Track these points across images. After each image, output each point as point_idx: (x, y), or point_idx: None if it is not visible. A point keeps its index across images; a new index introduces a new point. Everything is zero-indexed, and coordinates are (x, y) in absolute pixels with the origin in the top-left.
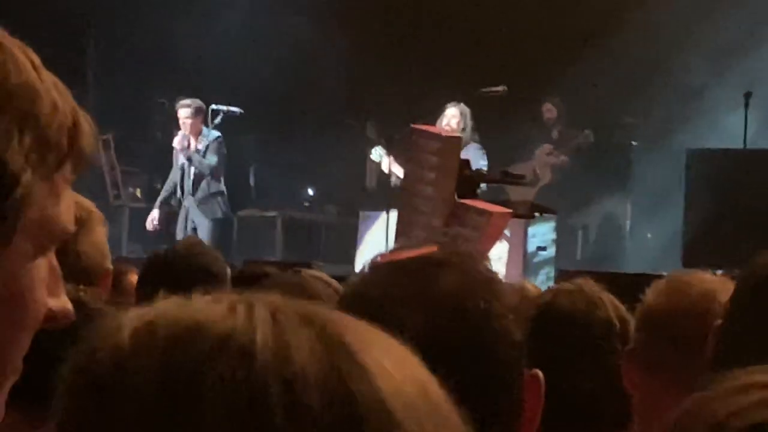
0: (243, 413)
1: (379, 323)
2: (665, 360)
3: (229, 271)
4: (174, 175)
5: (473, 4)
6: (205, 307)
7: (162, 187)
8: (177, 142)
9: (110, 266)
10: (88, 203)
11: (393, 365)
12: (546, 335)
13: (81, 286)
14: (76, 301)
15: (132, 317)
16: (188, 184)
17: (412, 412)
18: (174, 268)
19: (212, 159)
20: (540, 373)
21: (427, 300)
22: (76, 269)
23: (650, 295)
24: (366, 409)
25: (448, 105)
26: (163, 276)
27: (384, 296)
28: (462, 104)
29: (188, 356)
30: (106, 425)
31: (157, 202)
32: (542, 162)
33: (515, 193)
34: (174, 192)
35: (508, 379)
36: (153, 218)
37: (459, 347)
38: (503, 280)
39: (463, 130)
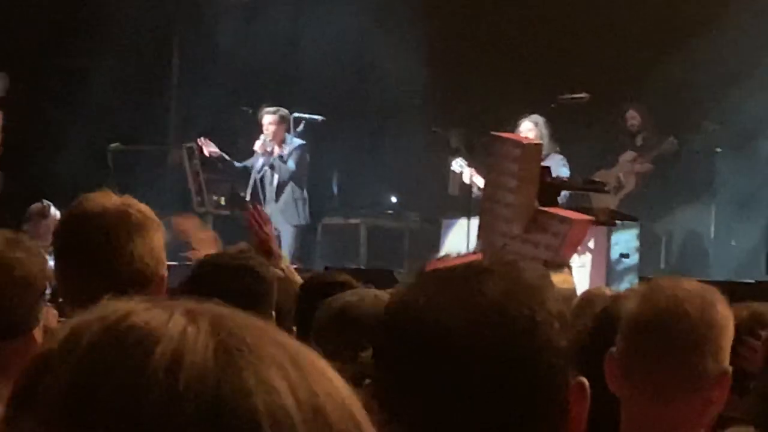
0: (132, 416)
1: (425, 330)
2: (634, 367)
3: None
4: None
5: (556, 11)
6: (133, 309)
7: (244, 195)
8: (259, 146)
9: (165, 273)
10: (146, 208)
11: (286, 383)
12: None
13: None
14: None
15: (71, 321)
16: (271, 191)
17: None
18: (221, 274)
19: (291, 164)
20: (585, 381)
21: (472, 307)
22: (128, 270)
23: (629, 301)
24: (234, 426)
25: (522, 119)
26: (209, 281)
27: (429, 304)
28: (535, 115)
29: (100, 360)
30: (19, 426)
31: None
32: (626, 169)
33: (598, 200)
34: (255, 194)
35: (553, 386)
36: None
37: (503, 354)
38: (559, 286)
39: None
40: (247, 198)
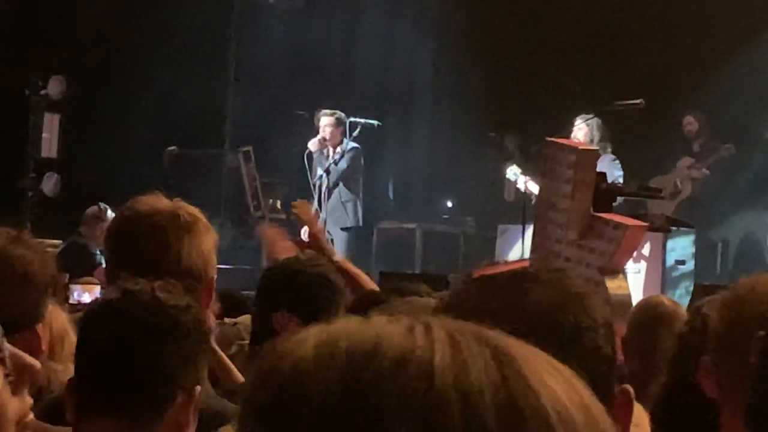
0: (423, 429)
1: None
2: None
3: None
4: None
5: (612, 18)
6: (385, 326)
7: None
8: (313, 143)
9: (214, 275)
10: (196, 211)
11: (559, 386)
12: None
13: (158, 283)
14: (153, 298)
15: (314, 332)
16: (325, 196)
17: (572, 430)
18: (296, 279)
19: (342, 164)
20: (630, 389)
21: (518, 314)
22: (176, 271)
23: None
24: (532, 426)
25: (576, 118)
26: (285, 286)
27: (475, 310)
28: (590, 115)
29: (369, 372)
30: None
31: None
32: (683, 175)
33: (654, 206)
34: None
35: (597, 394)
36: (305, 230)
37: None
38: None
39: (591, 141)
40: (314, 205)
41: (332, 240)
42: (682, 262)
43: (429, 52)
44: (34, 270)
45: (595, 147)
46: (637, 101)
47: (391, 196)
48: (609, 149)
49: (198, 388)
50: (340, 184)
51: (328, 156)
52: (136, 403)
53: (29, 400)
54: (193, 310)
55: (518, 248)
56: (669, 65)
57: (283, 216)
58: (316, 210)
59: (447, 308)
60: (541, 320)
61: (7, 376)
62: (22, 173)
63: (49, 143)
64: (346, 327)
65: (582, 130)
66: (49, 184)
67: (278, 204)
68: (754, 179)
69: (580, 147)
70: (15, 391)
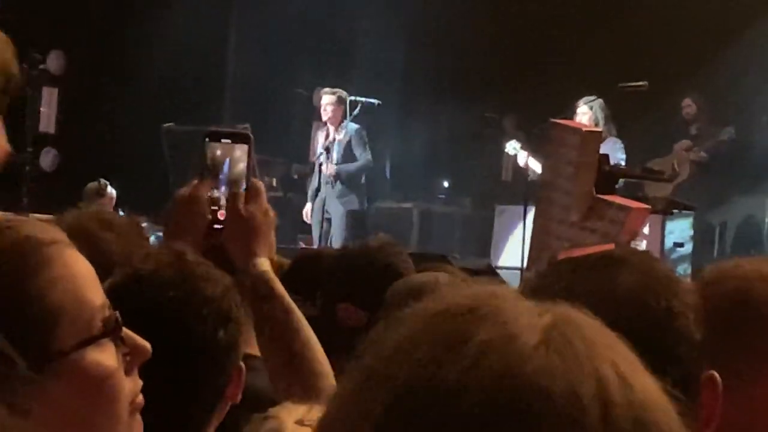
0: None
1: None
2: None
3: None
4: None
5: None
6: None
7: (298, 177)
8: (321, 134)
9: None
10: None
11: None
12: None
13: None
14: (178, 257)
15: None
16: (324, 176)
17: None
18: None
19: (351, 147)
20: (717, 375)
21: (609, 297)
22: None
23: None
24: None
25: (578, 102)
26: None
27: (565, 292)
28: (592, 98)
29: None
30: None
31: (310, 195)
32: (681, 158)
33: (652, 188)
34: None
35: (688, 379)
36: (307, 211)
37: (640, 345)
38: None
39: (596, 124)
40: (318, 183)
41: (329, 220)
42: (681, 245)
43: (429, 32)
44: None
45: (599, 129)
46: (641, 83)
47: (388, 175)
48: (614, 131)
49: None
50: (360, 155)
51: (328, 134)
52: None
53: (139, 382)
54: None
55: (517, 229)
56: (670, 47)
57: (280, 194)
58: (316, 190)
59: (535, 290)
60: (631, 303)
61: (125, 355)
62: (20, 148)
63: (48, 118)
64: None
65: (586, 114)
66: (47, 159)
67: (274, 182)
68: (754, 163)
69: (584, 128)
70: (128, 372)
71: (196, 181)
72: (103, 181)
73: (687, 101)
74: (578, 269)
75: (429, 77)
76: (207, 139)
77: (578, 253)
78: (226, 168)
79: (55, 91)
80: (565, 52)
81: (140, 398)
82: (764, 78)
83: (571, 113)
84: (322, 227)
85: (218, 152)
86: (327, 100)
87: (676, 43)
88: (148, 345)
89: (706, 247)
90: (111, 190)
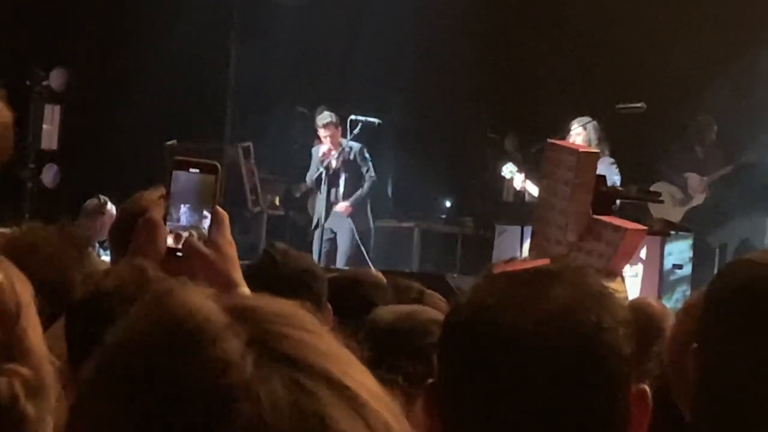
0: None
1: (492, 332)
2: None
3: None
4: (319, 193)
5: (615, 18)
6: None
7: (299, 196)
8: (320, 152)
9: None
10: None
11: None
12: None
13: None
14: (139, 273)
15: None
16: (335, 194)
17: None
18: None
19: (372, 171)
20: (647, 389)
21: (539, 311)
22: None
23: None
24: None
25: (572, 123)
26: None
27: (497, 305)
28: (584, 117)
29: None
30: None
31: (315, 222)
32: (696, 187)
33: (659, 211)
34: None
35: (616, 392)
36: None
37: (568, 359)
38: (623, 295)
39: (589, 144)
40: (322, 197)
41: (335, 237)
42: (680, 267)
43: (430, 52)
44: None
45: (595, 149)
46: (638, 104)
47: (389, 194)
48: (607, 152)
49: None
50: (364, 186)
51: (328, 153)
52: None
53: None
54: None
55: (517, 249)
56: (670, 68)
57: (282, 212)
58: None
59: (468, 303)
60: (561, 318)
61: None
62: (22, 164)
63: (50, 135)
64: None
65: (580, 135)
66: (49, 175)
67: (277, 200)
68: (754, 185)
69: (581, 149)
70: None
71: (160, 207)
72: (102, 197)
73: (695, 123)
74: (511, 282)
75: (430, 96)
76: (174, 168)
77: (514, 266)
78: (193, 198)
79: (58, 108)
80: (566, 72)
81: None
82: (764, 99)
83: (567, 135)
84: (321, 246)
85: (185, 181)
86: (324, 133)
87: (678, 63)
88: None
89: (705, 269)
90: (111, 207)
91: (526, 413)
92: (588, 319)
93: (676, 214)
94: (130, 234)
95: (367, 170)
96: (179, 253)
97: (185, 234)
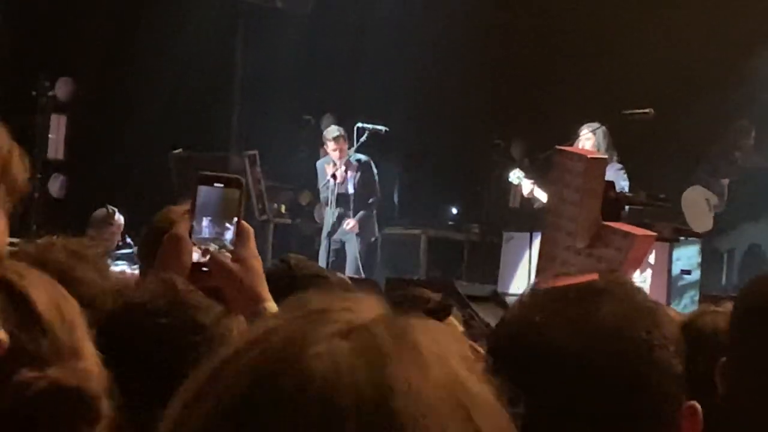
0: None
1: (539, 349)
2: None
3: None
4: (328, 207)
5: (622, 24)
6: None
7: (305, 204)
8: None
9: None
10: None
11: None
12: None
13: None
14: (169, 286)
15: None
16: (344, 207)
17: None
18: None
19: (378, 190)
20: (697, 405)
21: (588, 327)
22: None
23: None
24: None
25: (582, 128)
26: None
27: (545, 322)
28: (595, 124)
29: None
30: None
31: (326, 234)
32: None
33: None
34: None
35: (666, 411)
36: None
37: (618, 376)
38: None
39: (598, 150)
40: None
41: (343, 247)
42: (688, 272)
43: (436, 58)
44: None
45: (604, 155)
46: (647, 110)
47: (396, 201)
48: (615, 158)
49: None
50: (371, 197)
51: (334, 162)
52: None
53: None
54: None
55: (524, 256)
56: (678, 72)
57: (288, 220)
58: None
59: (515, 319)
60: (610, 334)
61: None
62: (29, 174)
63: (56, 144)
64: None
65: (590, 140)
66: (56, 185)
67: (283, 208)
68: (762, 190)
69: (589, 155)
70: None
71: (185, 222)
72: (111, 207)
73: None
74: (560, 299)
75: (436, 103)
76: (199, 183)
77: (562, 282)
78: (217, 212)
79: (64, 117)
80: (574, 78)
81: None
82: None
83: (576, 141)
84: (329, 255)
85: (209, 195)
86: (331, 147)
87: (685, 68)
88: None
89: (714, 274)
90: (119, 217)
91: (573, 430)
92: (638, 338)
93: (709, 220)
94: (158, 248)
95: (373, 192)
96: (205, 268)
97: (211, 248)
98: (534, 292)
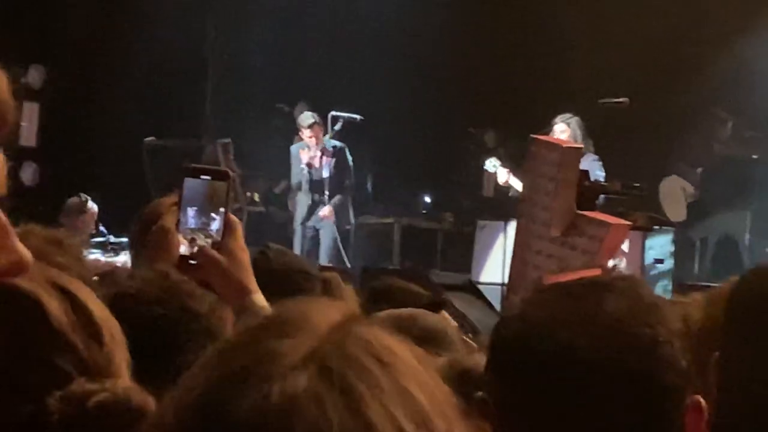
0: None
1: (545, 345)
2: None
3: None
4: (301, 192)
5: (598, 15)
6: None
7: (279, 192)
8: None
9: None
10: None
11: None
12: None
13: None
14: (162, 276)
15: None
16: (319, 193)
17: None
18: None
19: (352, 177)
20: (701, 399)
21: (593, 324)
22: None
23: None
24: None
25: (555, 120)
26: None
27: (550, 318)
28: (567, 114)
29: None
30: None
31: (300, 220)
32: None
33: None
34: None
35: (672, 407)
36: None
37: (624, 372)
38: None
39: (574, 140)
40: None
41: (317, 234)
42: (661, 261)
43: (410, 48)
44: None
45: (579, 144)
46: (622, 99)
47: (370, 190)
48: (591, 148)
49: None
50: (345, 182)
51: (309, 147)
52: None
53: None
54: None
55: (498, 245)
56: (653, 62)
57: (261, 209)
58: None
59: (519, 316)
60: (616, 331)
61: None
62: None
63: (28, 132)
64: None
65: (564, 133)
66: (28, 173)
67: (256, 196)
68: (734, 179)
69: (564, 145)
70: None
71: (173, 214)
72: (84, 196)
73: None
74: (564, 295)
75: (410, 92)
76: (186, 175)
77: (565, 277)
78: (203, 203)
79: (36, 105)
80: (548, 67)
81: None
82: (744, 95)
83: (550, 131)
84: (303, 243)
85: (196, 187)
86: (307, 134)
87: (660, 57)
88: None
89: (686, 263)
90: (92, 205)
91: (580, 426)
92: (643, 333)
93: (683, 209)
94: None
95: (348, 178)
96: (192, 261)
97: (199, 241)
98: (537, 289)
